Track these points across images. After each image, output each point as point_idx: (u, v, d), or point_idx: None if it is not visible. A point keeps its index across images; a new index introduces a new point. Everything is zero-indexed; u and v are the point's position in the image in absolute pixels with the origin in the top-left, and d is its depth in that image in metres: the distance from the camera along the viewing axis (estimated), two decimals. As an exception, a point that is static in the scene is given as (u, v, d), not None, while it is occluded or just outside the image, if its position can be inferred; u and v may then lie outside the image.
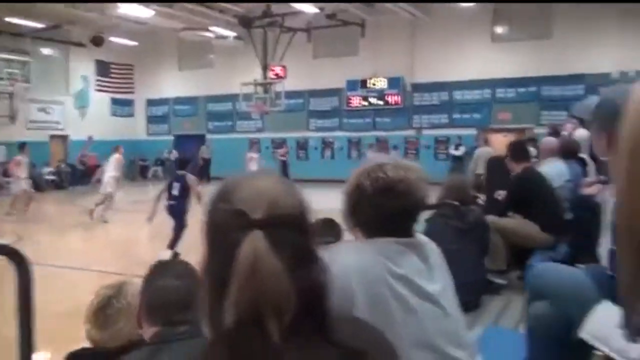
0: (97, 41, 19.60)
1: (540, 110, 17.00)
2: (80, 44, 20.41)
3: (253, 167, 16.68)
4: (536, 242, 4.41)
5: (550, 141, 5.36)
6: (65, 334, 2.64)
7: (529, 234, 4.42)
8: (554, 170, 4.89)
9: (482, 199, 5.53)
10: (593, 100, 1.87)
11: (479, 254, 4.16)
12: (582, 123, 6.38)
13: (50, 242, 9.71)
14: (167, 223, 7.82)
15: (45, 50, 20.64)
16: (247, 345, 0.74)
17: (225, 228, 0.79)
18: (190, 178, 7.97)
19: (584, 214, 3.91)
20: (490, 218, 4.43)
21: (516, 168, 4.70)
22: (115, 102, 23.29)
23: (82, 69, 21.78)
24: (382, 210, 1.47)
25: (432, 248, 1.56)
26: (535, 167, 4.89)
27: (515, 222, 4.53)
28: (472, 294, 3.94)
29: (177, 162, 12.90)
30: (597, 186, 4.12)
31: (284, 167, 18.33)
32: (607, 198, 2.90)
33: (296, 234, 0.80)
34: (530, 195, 4.52)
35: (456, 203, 4.15)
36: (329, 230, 2.77)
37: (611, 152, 1.56)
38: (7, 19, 17.30)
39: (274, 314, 0.74)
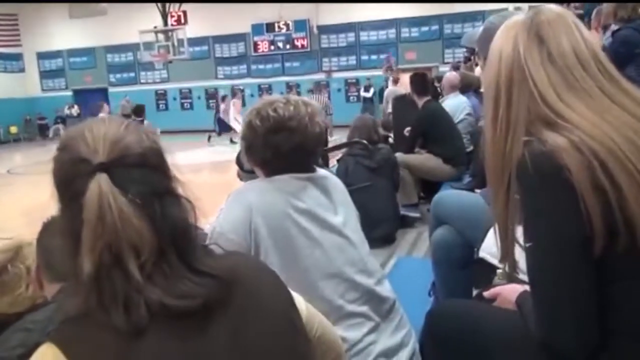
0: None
1: (444, 49, 17.43)
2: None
3: (237, 116, 14.17)
4: (441, 175, 4.62)
5: (451, 76, 5.52)
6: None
7: (433, 168, 4.62)
8: (455, 104, 5.09)
9: (392, 137, 5.69)
10: (478, 29, 1.93)
11: (391, 190, 4.31)
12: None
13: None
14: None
15: None
16: (110, 289, 0.74)
17: (70, 179, 0.78)
18: None
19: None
20: (398, 155, 4.58)
21: (419, 102, 4.84)
22: (1, 56, 21.35)
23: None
24: (277, 148, 1.46)
25: (334, 181, 1.59)
26: (435, 102, 5.05)
27: (420, 157, 4.71)
28: (387, 228, 4.12)
29: None
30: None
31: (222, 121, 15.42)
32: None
33: (145, 172, 0.79)
34: (431, 129, 4.69)
35: (364, 142, 4.24)
36: None
37: None
38: None
39: (131, 253, 0.75)
